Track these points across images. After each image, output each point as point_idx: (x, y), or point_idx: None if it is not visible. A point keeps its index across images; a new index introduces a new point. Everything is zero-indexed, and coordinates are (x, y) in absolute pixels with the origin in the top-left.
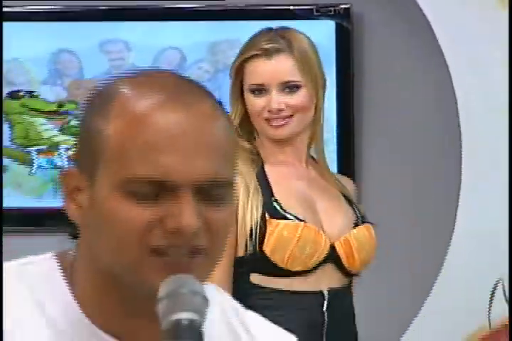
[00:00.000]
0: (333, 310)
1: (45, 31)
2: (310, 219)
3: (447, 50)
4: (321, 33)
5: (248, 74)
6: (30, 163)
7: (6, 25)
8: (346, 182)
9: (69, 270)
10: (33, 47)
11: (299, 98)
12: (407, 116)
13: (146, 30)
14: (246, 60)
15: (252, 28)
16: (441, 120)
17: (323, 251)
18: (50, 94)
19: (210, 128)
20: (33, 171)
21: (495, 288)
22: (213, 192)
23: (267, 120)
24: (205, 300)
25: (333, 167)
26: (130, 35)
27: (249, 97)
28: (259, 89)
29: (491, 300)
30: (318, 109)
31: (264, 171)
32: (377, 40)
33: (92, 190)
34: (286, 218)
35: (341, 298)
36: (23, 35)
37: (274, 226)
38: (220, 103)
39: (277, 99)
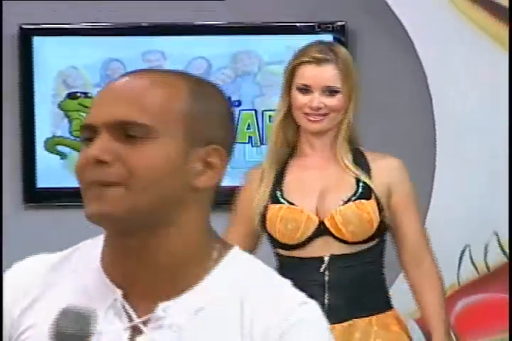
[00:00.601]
0: (333, 272)
1: (98, 44)
2: (303, 203)
3: (424, 58)
4: None
5: (299, 76)
6: None
7: (66, 38)
8: (386, 163)
9: None
10: (88, 56)
11: (335, 101)
12: (391, 114)
13: (179, 43)
14: (299, 64)
15: (266, 41)
16: (419, 116)
17: (309, 227)
18: None
19: (140, 89)
20: None
21: (463, 252)
22: (129, 132)
23: (306, 114)
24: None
25: None
26: (166, 47)
27: (296, 94)
28: (305, 89)
29: (459, 263)
30: (348, 111)
31: (286, 164)
32: (367, 51)
33: None
34: (280, 203)
35: (344, 262)
36: (80, 47)
37: (270, 209)
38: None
39: (318, 99)
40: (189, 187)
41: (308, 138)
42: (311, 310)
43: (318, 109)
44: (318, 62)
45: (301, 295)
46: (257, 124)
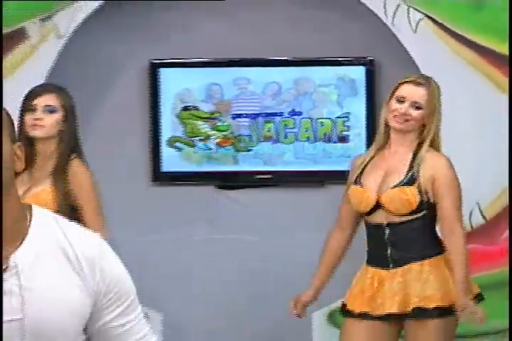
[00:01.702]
0: (391, 235)
1: (203, 73)
2: (368, 183)
3: None
4: (357, 73)
5: (399, 90)
6: (194, 146)
7: (182, 69)
8: (436, 159)
9: None
10: (197, 81)
11: (418, 114)
12: None
13: (259, 72)
14: (403, 83)
15: (318, 70)
16: None
17: (368, 202)
18: (206, 108)
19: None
20: (196, 150)
21: (473, 209)
22: None
23: (395, 116)
24: None
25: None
26: (250, 74)
27: (394, 102)
28: (401, 100)
29: (470, 216)
30: (431, 125)
31: (374, 156)
32: (389, 79)
33: None
34: (356, 184)
35: (397, 227)
36: (192, 75)
37: (351, 189)
38: None
39: (407, 109)
40: (14, 170)
41: (394, 134)
42: (105, 243)
43: (405, 115)
44: (416, 83)
45: (96, 234)
46: (312, 128)
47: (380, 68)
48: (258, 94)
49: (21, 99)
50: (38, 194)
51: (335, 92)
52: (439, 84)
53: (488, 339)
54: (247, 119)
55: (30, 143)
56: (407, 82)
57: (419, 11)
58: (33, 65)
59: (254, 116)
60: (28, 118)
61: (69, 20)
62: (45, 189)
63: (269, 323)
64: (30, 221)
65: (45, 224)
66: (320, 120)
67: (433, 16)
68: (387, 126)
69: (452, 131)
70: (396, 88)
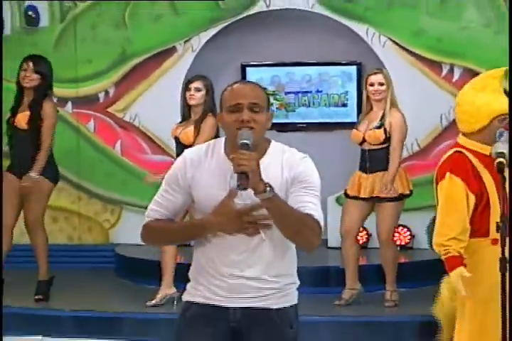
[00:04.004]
0: (369, 156)
1: (270, 69)
2: (360, 129)
3: (394, 80)
4: (352, 70)
5: (369, 80)
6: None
7: (259, 68)
8: (394, 114)
9: None
10: (266, 74)
11: (383, 87)
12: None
13: (299, 69)
14: (370, 75)
15: (332, 68)
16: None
17: (359, 138)
18: (271, 88)
19: (253, 90)
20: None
21: (413, 142)
22: (255, 108)
23: (374, 94)
24: (251, 139)
25: None
26: (294, 70)
27: (369, 87)
28: (372, 85)
29: (411, 146)
30: (389, 93)
31: (366, 115)
32: (369, 72)
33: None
34: (355, 129)
35: (373, 151)
36: (263, 71)
37: (353, 131)
38: (265, 89)
39: (377, 87)
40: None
41: (374, 103)
42: (309, 159)
43: (377, 90)
44: (375, 73)
45: (304, 154)
46: (328, 99)
47: (365, 67)
48: (299, 81)
49: (173, 88)
50: (186, 132)
51: (340, 80)
52: (396, 77)
53: (427, 211)
54: (292, 94)
55: (188, 108)
56: (370, 74)
57: (385, 36)
58: (178, 68)
59: (297, 93)
60: (188, 94)
61: (198, 41)
62: (190, 129)
63: None
64: (269, 146)
65: (277, 148)
66: (332, 95)
67: (392, 38)
68: (368, 99)
69: (404, 99)
70: (366, 79)
